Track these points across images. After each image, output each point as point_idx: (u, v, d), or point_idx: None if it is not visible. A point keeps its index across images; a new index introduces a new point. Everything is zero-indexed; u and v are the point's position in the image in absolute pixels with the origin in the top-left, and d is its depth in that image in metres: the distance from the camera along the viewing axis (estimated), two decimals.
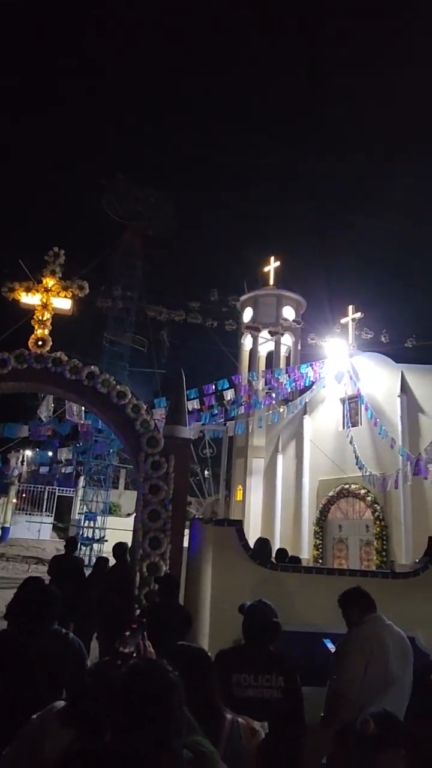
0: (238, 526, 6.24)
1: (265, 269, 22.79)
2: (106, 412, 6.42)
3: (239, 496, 20.30)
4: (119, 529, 17.28)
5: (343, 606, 3.59)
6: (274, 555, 7.81)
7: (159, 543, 5.79)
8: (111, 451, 19.93)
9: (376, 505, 15.66)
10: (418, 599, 5.69)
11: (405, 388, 15.61)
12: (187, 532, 6.15)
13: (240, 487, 20.38)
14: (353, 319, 17.46)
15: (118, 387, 6.27)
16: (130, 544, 6.76)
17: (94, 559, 13.26)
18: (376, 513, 15.63)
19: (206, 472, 23.69)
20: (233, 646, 3.29)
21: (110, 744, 1.55)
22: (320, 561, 16.65)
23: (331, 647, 4.19)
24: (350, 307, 17.77)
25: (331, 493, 17.15)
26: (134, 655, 1.83)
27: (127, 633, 1.90)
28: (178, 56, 65.96)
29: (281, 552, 8.01)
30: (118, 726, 1.51)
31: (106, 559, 8.25)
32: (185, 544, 5.98)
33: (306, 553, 17.34)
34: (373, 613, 3.49)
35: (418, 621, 5.67)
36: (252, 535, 12.81)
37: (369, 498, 15.85)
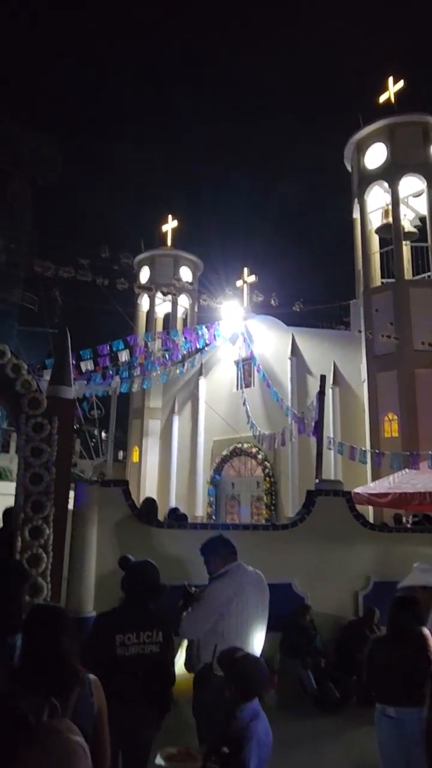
0: (124, 486, 6.24)
1: (164, 229, 22.35)
2: None
3: (135, 458, 20.32)
4: (11, 495, 16.64)
5: (205, 555, 3.59)
6: (167, 514, 7.94)
7: (42, 506, 5.62)
8: (1, 413, 19.03)
9: (266, 463, 16.36)
10: (295, 549, 6.06)
11: (295, 350, 16.23)
12: (72, 494, 6.05)
13: (136, 447, 20.38)
14: (247, 282, 17.69)
15: None
16: None
17: None
18: (266, 470, 16.34)
19: (104, 434, 23.38)
20: (114, 607, 3.31)
21: None
22: (213, 518, 17.21)
23: None
24: (245, 270, 17.98)
25: (224, 453, 17.65)
26: None
27: None
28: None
29: (174, 511, 8.14)
30: None
31: None
32: (70, 506, 5.88)
33: (200, 511, 17.85)
34: (234, 561, 3.56)
35: (294, 568, 6.06)
36: (149, 495, 12.90)
37: (260, 456, 16.51)
